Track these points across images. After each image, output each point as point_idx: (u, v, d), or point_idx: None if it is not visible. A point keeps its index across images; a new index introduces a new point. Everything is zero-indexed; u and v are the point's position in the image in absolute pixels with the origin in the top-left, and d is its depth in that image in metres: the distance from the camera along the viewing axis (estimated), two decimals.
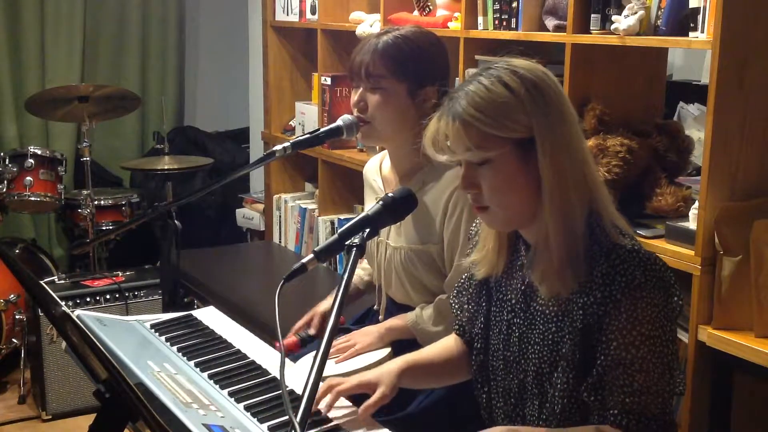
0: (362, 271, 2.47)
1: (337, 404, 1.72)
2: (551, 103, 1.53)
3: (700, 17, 2.16)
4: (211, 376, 1.84)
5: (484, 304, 1.77)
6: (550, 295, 1.58)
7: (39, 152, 4.02)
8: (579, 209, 1.54)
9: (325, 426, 1.66)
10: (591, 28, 2.44)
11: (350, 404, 1.75)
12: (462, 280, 1.86)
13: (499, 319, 1.72)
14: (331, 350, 2.10)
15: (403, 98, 2.11)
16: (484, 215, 1.62)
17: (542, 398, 1.62)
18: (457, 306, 1.87)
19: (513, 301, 1.68)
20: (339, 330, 2.31)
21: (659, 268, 1.53)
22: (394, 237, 2.20)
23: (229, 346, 2.03)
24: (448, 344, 1.90)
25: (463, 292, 1.85)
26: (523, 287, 1.66)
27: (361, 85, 2.14)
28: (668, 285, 1.53)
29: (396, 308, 2.26)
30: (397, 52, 2.09)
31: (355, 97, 2.16)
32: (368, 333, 2.19)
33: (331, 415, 1.69)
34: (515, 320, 1.67)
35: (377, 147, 3.05)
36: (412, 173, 2.16)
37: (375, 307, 2.37)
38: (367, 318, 2.43)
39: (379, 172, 2.32)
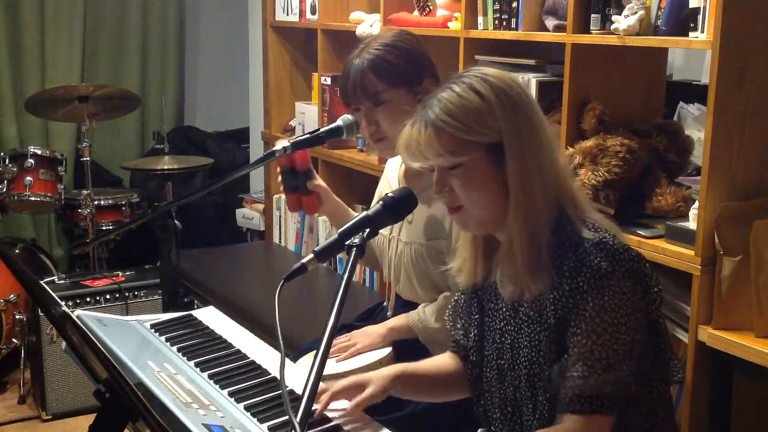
0: None
1: (337, 404, 1.72)
2: (520, 110, 1.58)
3: (700, 17, 2.16)
4: (211, 376, 1.84)
5: (476, 315, 1.77)
6: (511, 297, 1.62)
7: (39, 152, 4.02)
8: (545, 213, 1.57)
9: (325, 426, 1.66)
10: (591, 28, 2.44)
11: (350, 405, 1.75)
12: (456, 296, 1.87)
13: (493, 329, 1.72)
14: (332, 349, 2.10)
15: (407, 101, 2.11)
16: (457, 216, 1.65)
17: (535, 401, 1.62)
18: (451, 322, 1.87)
19: (503, 309, 1.69)
20: (341, 327, 2.31)
21: (630, 257, 1.54)
22: (405, 233, 2.21)
23: (229, 346, 2.03)
24: (445, 360, 1.89)
25: (458, 309, 1.85)
26: None
27: (361, 107, 2.14)
28: (640, 275, 1.55)
29: (402, 305, 2.27)
30: (385, 62, 2.10)
31: (363, 121, 2.16)
32: (370, 333, 2.19)
33: (331, 414, 1.69)
34: (507, 327, 1.68)
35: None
36: (421, 172, 2.17)
37: (384, 303, 2.37)
38: (372, 315, 2.44)
39: (397, 168, 2.34)
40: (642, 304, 1.55)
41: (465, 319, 1.81)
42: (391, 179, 2.34)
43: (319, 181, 2.30)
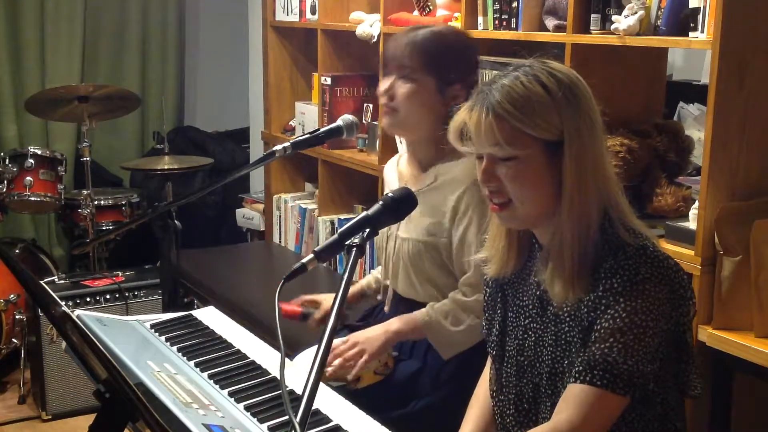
0: (372, 277, 2.46)
1: (336, 404, 1.72)
2: (583, 109, 1.55)
3: (700, 17, 2.16)
4: (211, 376, 1.84)
5: (499, 310, 1.74)
6: (559, 297, 1.57)
7: (39, 152, 4.02)
8: (595, 214, 1.54)
9: (325, 426, 1.66)
10: (591, 28, 2.44)
11: (350, 404, 1.75)
12: (485, 294, 1.82)
13: (516, 325, 1.70)
14: (338, 360, 2.06)
15: (431, 92, 2.14)
16: (502, 213, 1.59)
17: (555, 398, 1.60)
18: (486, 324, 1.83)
19: (530, 307, 1.67)
20: (342, 327, 2.31)
21: (669, 266, 1.52)
22: (404, 228, 2.21)
23: (229, 346, 2.03)
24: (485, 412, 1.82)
25: (486, 303, 1.81)
26: (538, 292, 1.65)
27: (392, 73, 2.16)
28: (676, 285, 1.52)
29: (399, 300, 2.25)
30: (431, 47, 2.13)
31: (385, 84, 2.18)
32: (372, 338, 2.13)
33: (331, 415, 1.69)
34: (532, 325, 1.66)
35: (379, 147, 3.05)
36: (427, 166, 2.19)
37: (380, 297, 2.36)
38: (372, 315, 2.43)
39: (395, 169, 2.34)
40: (674, 314, 1.52)
41: (489, 312, 1.78)
42: (390, 183, 2.34)
43: (318, 313, 2.31)
